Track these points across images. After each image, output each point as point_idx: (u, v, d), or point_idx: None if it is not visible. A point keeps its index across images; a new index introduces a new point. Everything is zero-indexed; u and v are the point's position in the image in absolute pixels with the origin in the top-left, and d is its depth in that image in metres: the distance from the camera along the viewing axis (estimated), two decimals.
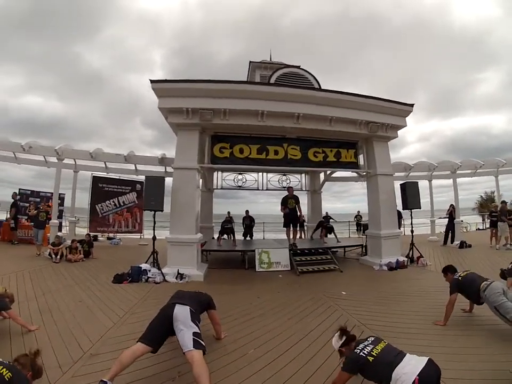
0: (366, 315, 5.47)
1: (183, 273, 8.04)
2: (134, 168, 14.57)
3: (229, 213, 14.80)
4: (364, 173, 10.78)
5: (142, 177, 14.95)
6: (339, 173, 13.77)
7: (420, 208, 10.62)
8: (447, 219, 14.21)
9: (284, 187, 13.46)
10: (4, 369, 2.40)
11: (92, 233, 13.93)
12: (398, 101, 10.06)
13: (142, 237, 16.09)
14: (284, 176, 13.86)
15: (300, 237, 13.97)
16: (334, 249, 11.07)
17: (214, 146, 9.19)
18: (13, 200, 13.26)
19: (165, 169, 13.37)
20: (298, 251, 9.92)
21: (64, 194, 15.37)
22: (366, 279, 8.49)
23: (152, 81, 8.38)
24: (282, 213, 10.35)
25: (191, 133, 8.84)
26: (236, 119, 8.78)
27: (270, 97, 8.72)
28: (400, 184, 10.59)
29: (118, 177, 15.28)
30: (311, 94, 9.13)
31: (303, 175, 14.62)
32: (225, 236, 11.55)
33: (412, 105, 10.19)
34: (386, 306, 5.95)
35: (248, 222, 14.44)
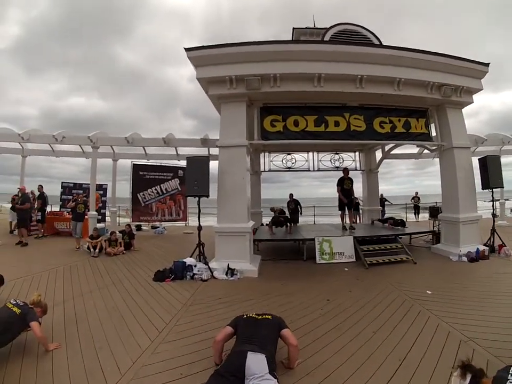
0: (468, 324, 4.07)
1: (234, 268, 6.53)
2: (174, 153, 13.07)
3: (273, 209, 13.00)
4: (434, 147, 8.84)
5: (184, 163, 13.56)
6: (398, 149, 11.77)
7: (503, 187, 8.85)
8: None
9: (337, 167, 11.90)
10: (15, 307, 3.39)
11: (135, 223, 12.98)
12: (472, 59, 7.98)
13: (186, 224, 14.88)
14: (336, 155, 12.08)
15: (355, 222, 12.09)
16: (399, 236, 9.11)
17: (264, 120, 7.51)
18: (38, 193, 12.18)
19: (208, 151, 11.76)
20: (359, 238, 8.26)
21: (106, 184, 14.34)
22: (447, 273, 6.74)
23: (187, 50, 6.82)
24: (334, 196, 9.44)
25: (237, 105, 7.25)
26: (288, 85, 7.10)
27: (328, 58, 6.98)
28: (479, 159, 8.60)
29: (158, 164, 14.02)
30: (375, 52, 7.24)
31: (357, 153, 12.69)
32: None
33: (487, 64, 8.10)
34: (488, 311, 4.50)
35: (293, 206, 12.42)
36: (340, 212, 9.94)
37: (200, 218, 7.33)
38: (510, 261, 7.51)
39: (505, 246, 8.05)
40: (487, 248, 7.98)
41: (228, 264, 6.56)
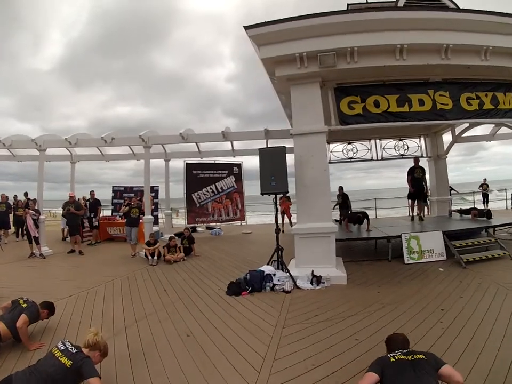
0: None
1: (319, 276, 5.36)
2: (228, 148, 11.69)
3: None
4: None
5: (238, 159, 12.86)
6: (470, 132, 10.20)
7: None
8: None
9: (402, 155, 10.59)
10: (64, 358, 2.40)
11: (190, 225, 11.90)
12: None
13: (241, 223, 13.68)
14: (400, 142, 10.64)
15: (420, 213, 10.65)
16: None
17: (341, 102, 6.24)
18: (89, 198, 11.29)
19: (266, 144, 10.19)
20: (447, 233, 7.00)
21: (158, 186, 13.31)
22: None
23: (247, 28, 5.60)
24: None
25: (309, 86, 6.05)
26: (367, 60, 5.79)
27: (410, 26, 5.64)
28: None
29: (212, 162, 12.85)
30: (461, 17, 5.77)
31: (422, 138, 11.11)
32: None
33: None
34: None
35: (341, 201, 10.88)
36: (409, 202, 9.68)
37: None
38: None
39: None
40: None
41: (312, 271, 5.43)
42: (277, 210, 6.11)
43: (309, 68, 5.75)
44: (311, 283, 5.27)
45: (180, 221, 14.61)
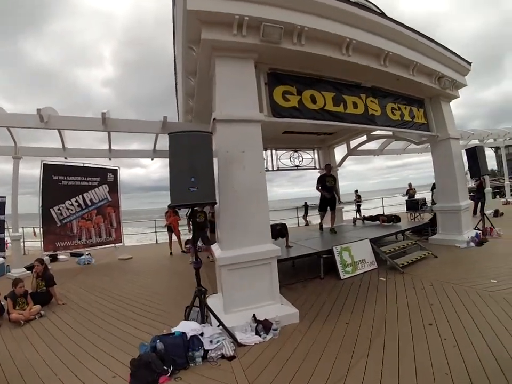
0: None
1: (266, 320, 3.66)
2: (106, 148, 8.50)
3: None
4: (424, 138, 8.23)
5: (115, 162, 9.71)
6: (364, 146, 10.47)
7: (489, 175, 9.19)
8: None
9: (297, 166, 10.16)
10: None
11: (48, 253, 8.23)
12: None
13: (116, 246, 9.73)
14: (295, 153, 10.15)
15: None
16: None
17: (275, 90, 4.93)
18: None
19: (155, 144, 7.87)
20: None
21: (5, 198, 8.82)
22: (477, 260, 5.99)
23: None
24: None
25: (242, 62, 4.47)
26: (314, 46, 4.79)
27: (357, 23, 5.04)
28: (467, 150, 8.49)
29: (80, 164, 9.09)
30: (399, 30, 5.68)
31: (315, 151, 10.81)
32: None
33: (470, 63, 7.80)
34: None
35: None
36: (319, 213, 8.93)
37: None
38: (503, 240, 7.48)
39: (494, 227, 8.12)
40: (480, 231, 7.89)
41: (254, 315, 3.73)
42: (194, 232, 4.14)
43: (247, 38, 4.25)
44: (257, 333, 3.56)
45: (38, 244, 9.75)
